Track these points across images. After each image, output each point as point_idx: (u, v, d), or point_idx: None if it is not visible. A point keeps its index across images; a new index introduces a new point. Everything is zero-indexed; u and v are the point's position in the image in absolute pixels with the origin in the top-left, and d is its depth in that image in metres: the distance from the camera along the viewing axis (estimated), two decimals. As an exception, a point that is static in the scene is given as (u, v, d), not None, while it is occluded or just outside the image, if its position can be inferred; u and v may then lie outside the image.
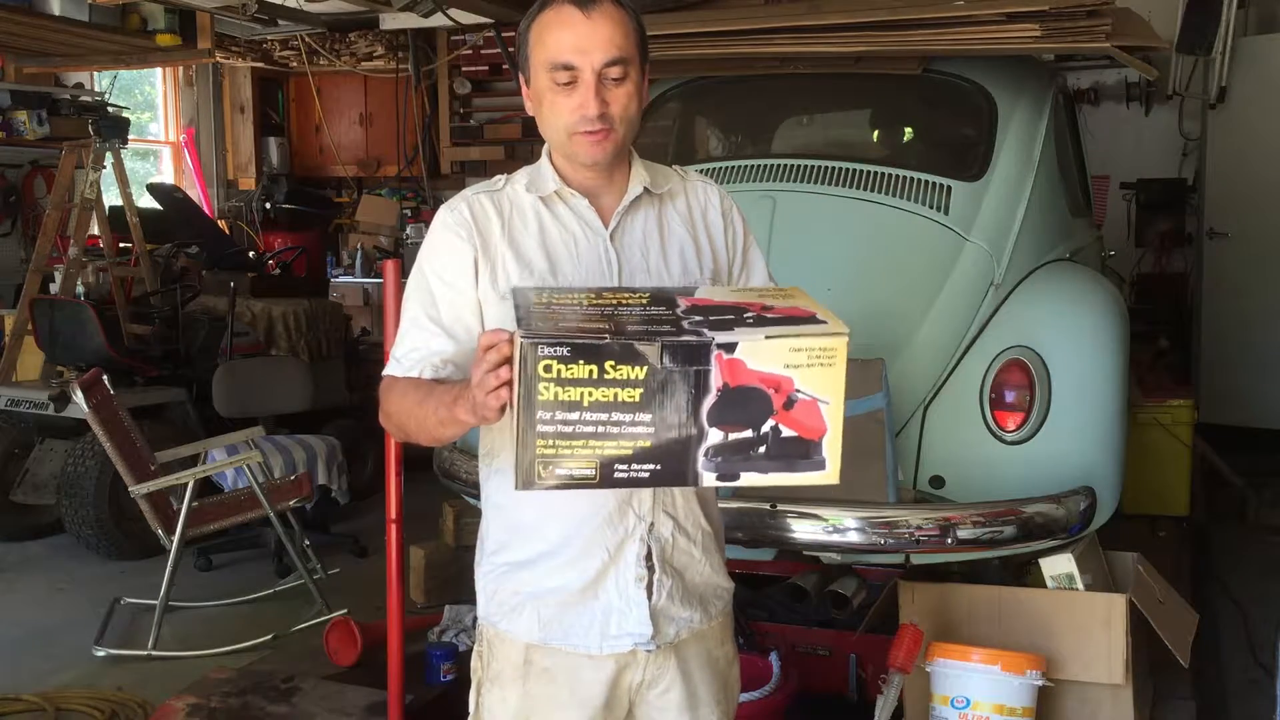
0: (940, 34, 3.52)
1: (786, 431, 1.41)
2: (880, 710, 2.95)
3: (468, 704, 1.88)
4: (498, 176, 1.85)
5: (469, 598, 1.87)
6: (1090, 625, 3.02)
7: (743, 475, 1.43)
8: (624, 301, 1.48)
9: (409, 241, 9.27)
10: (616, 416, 1.37)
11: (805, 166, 3.65)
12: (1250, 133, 6.67)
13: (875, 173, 3.60)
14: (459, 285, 1.75)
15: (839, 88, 4.21)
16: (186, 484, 4.35)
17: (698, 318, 1.43)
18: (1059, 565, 3.17)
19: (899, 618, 3.15)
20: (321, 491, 5.35)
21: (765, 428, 1.40)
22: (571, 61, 1.69)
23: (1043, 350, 3.30)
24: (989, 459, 3.25)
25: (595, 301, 1.48)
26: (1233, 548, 5.16)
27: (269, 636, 4.33)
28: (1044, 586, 3.18)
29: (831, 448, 1.43)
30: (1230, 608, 4.42)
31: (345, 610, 4.34)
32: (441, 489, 3.65)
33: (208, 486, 4.89)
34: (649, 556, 1.75)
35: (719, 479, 1.42)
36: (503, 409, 1.45)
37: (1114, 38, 3.42)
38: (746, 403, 1.39)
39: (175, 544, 4.35)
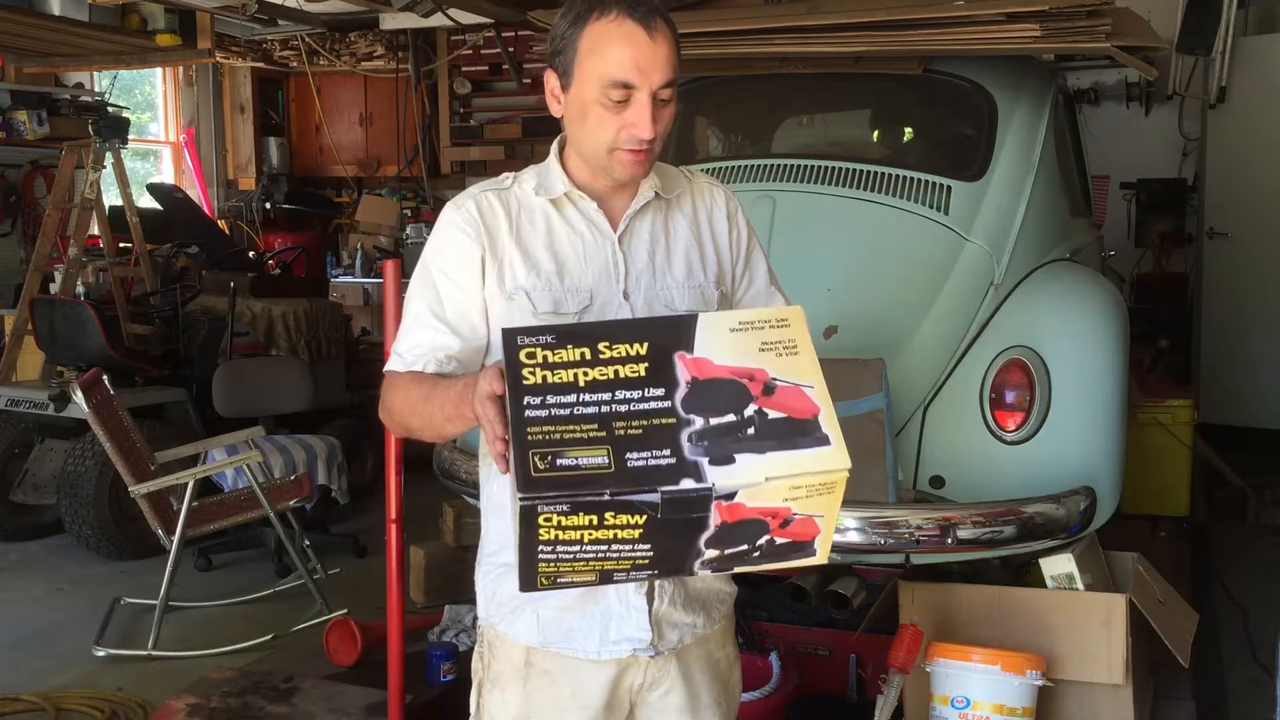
0: (940, 34, 3.52)
1: (781, 540, 1.43)
2: (880, 710, 2.95)
3: (468, 704, 1.88)
4: (505, 175, 1.83)
5: (469, 598, 1.87)
6: (1090, 625, 3.02)
7: (736, 568, 1.48)
8: (622, 372, 1.44)
9: (409, 241, 9.27)
10: (616, 548, 1.38)
11: (805, 166, 3.65)
12: (1250, 133, 6.67)
13: (875, 173, 3.59)
14: (465, 284, 1.73)
15: (839, 88, 4.21)
16: (186, 484, 4.35)
17: (698, 424, 1.40)
18: (1059, 565, 3.17)
19: (899, 618, 3.15)
20: (321, 491, 5.35)
21: (761, 541, 1.42)
22: (632, 80, 1.64)
23: (1042, 350, 3.30)
24: (989, 459, 3.25)
25: (591, 376, 1.43)
26: (1233, 548, 5.16)
27: (269, 636, 4.33)
28: (1044, 586, 3.18)
29: (823, 544, 1.45)
30: (1230, 608, 4.42)
31: (345, 610, 4.34)
32: (441, 489, 3.65)
33: (208, 486, 4.89)
34: (650, 562, 1.75)
35: (713, 572, 1.49)
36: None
37: (1114, 38, 3.42)
38: (744, 531, 1.40)
39: (175, 544, 4.35)
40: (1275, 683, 2.76)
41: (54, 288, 6.57)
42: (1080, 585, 3.14)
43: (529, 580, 1.40)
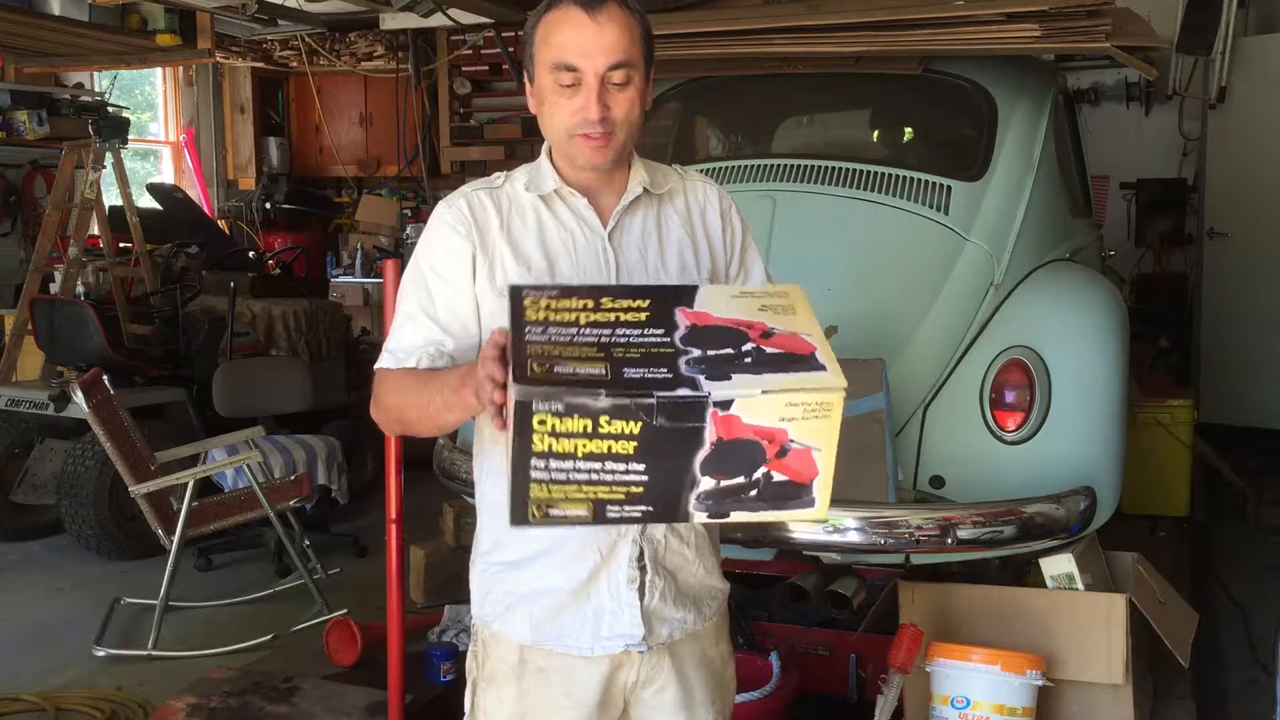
0: (940, 34, 3.52)
1: (778, 476, 1.41)
2: (880, 710, 2.95)
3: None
4: (496, 174, 1.84)
5: (468, 597, 1.87)
6: (1090, 625, 3.02)
7: (733, 514, 1.44)
8: (623, 318, 1.45)
9: (409, 241, 9.26)
10: (610, 465, 1.36)
11: (805, 166, 3.65)
12: (1250, 133, 6.67)
13: (875, 173, 3.59)
14: (456, 281, 1.74)
15: (839, 88, 4.21)
16: (186, 484, 4.34)
17: (695, 353, 1.40)
18: (1059, 565, 3.17)
19: (899, 618, 3.15)
20: (321, 491, 5.35)
21: (757, 474, 1.40)
22: (575, 63, 1.67)
23: (1042, 350, 3.30)
24: (989, 459, 3.25)
25: (593, 318, 1.44)
26: (1233, 548, 5.16)
27: (269, 636, 4.33)
28: (1044, 586, 3.18)
29: (822, 489, 1.43)
30: (1230, 608, 4.42)
31: (345, 610, 4.34)
32: (441, 489, 3.65)
33: (208, 486, 4.89)
34: (641, 557, 1.75)
35: (709, 517, 1.43)
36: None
37: (1114, 38, 3.42)
38: (740, 454, 1.38)
39: (175, 544, 4.34)
40: (1275, 683, 2.76)
41: (54, 288, 6.56)
42: (1080, 585, 3.14)
43: (520, 509, 1.38)
